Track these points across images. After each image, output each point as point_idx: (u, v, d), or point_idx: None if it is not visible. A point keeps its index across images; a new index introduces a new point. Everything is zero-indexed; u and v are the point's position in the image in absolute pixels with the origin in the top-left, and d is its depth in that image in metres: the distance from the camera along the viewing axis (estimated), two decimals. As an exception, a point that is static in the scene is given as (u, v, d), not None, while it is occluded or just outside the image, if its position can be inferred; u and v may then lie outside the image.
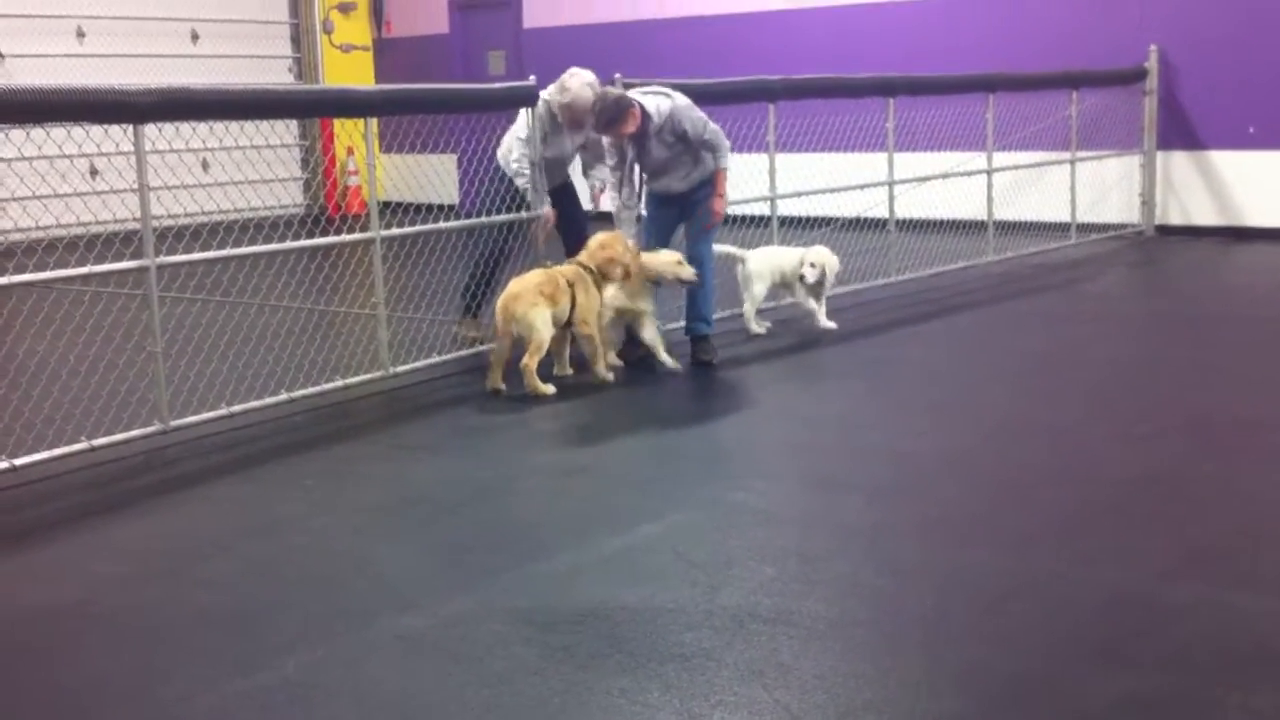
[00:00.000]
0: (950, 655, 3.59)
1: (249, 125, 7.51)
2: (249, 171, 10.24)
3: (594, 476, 5.35)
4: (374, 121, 6.97)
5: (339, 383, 6.63)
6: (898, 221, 9.81)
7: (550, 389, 6.53)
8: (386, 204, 9.83)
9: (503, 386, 6.61)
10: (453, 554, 4.50)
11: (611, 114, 6.84)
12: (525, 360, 6.48)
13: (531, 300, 6.48)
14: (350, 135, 14.17)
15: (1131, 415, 5.98)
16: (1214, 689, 3.32)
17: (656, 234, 7.36)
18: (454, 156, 7.93)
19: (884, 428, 6.01)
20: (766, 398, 6.65)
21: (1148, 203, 12.08)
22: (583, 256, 6.84)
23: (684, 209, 7.30)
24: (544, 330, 6.49)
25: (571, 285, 6.65)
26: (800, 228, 9.54)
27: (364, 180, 16.08)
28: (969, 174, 10.58)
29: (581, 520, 4.79)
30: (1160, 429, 5.73)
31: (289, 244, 6.82)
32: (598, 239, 6.86)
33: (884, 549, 4.42)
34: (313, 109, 9.05)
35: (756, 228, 8.88)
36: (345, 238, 7.44)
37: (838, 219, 9.88)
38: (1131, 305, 7.08)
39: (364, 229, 7.06)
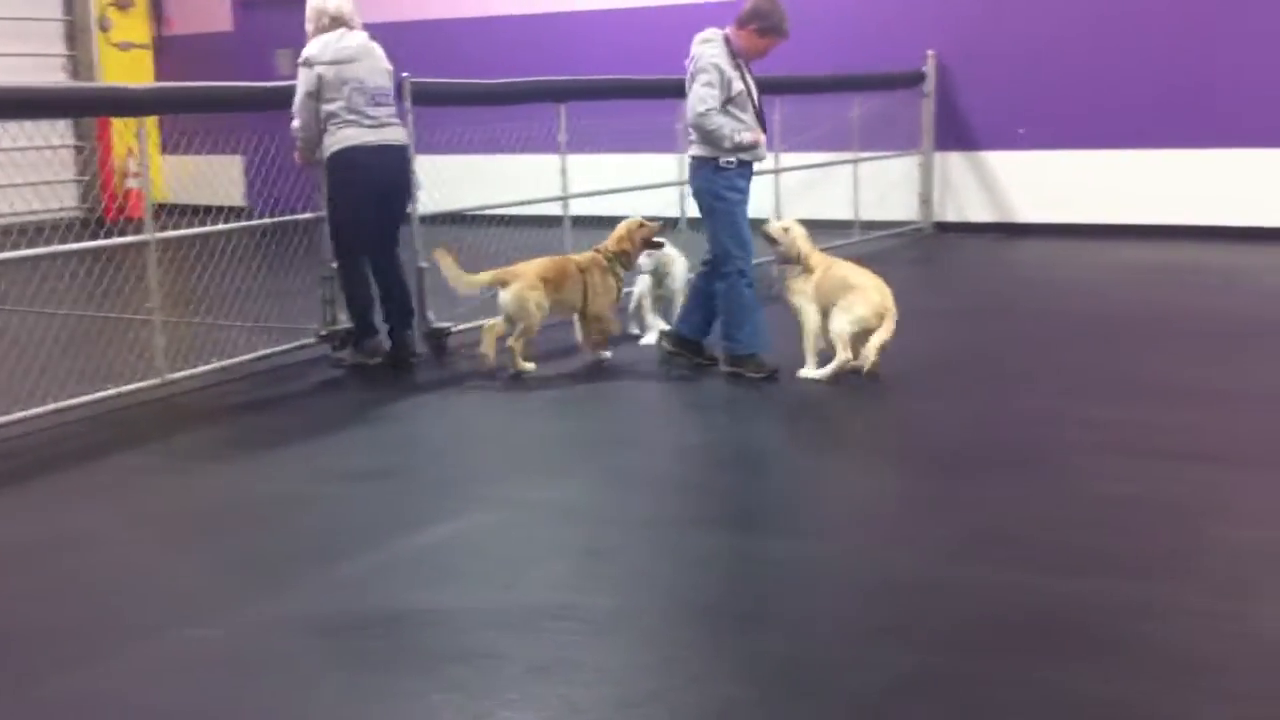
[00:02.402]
0: (734, 642, 3.67)
1: (21, 126, 7.10)
2: (19, 175, 9.77)
3: (390, 480, 5.28)
4: (149, 121, 6.70)
5: (111, 391, 6.36)
6: (689, 220, 9.95)
7: (531, 366, 6.79)
8: (171, 207, 9.50)
9: (490, 354, 6.79)
10: (243, 563, 4.39)
11: (789, 27, 6.55)
12: (511, 340, 6.71)
13: (530, 283, 6.68)
14: (130, 136, 13.64)
15: (918, 408, 6.19)
16: (988, 662, 3.47)
17: (746, 224, 6.75)
18: (240, 158, 7.69)
19: (681, 423, 6.10)
20: (565, 398, 6.66)
21: (926, 201, 12.56)
22: (605, 244, 7.06)
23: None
24: (535, 315, 6.73)
25: (584, 272, 6.86)
26: (593, 228, 9.58)
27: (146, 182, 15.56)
28: (762, 174, 10.78)
29: (376, 524, 4.72)
30: (946, 420, 5.96)
31: (56, 247, 6.49)
32: (622, 227, 7.11)
33: (673, 541, 4.49)
34: (80, 108, 8.66)
35: (549, 228, 8.89)
36: (116, 240, 7.14)
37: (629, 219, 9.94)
38: (913, 300, 7.35)
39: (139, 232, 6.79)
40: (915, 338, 6.81)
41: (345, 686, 3.43)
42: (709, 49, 6.57)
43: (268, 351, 7.16)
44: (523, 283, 6.72)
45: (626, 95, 9.76)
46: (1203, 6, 11.26)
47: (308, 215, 7.37)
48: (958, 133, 12.44)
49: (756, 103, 6.68)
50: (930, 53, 12.32)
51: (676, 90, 9.70)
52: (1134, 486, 4.86)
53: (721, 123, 6.52)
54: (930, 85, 12.35)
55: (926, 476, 5.16)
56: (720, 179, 6.63)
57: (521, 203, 8.61)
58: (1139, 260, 10.46)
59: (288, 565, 4.33)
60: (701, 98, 6.51)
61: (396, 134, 6.94)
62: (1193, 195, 11.39)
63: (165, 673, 3.57)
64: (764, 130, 6.75)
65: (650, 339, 7.46)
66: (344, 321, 7.27)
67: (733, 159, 6.62)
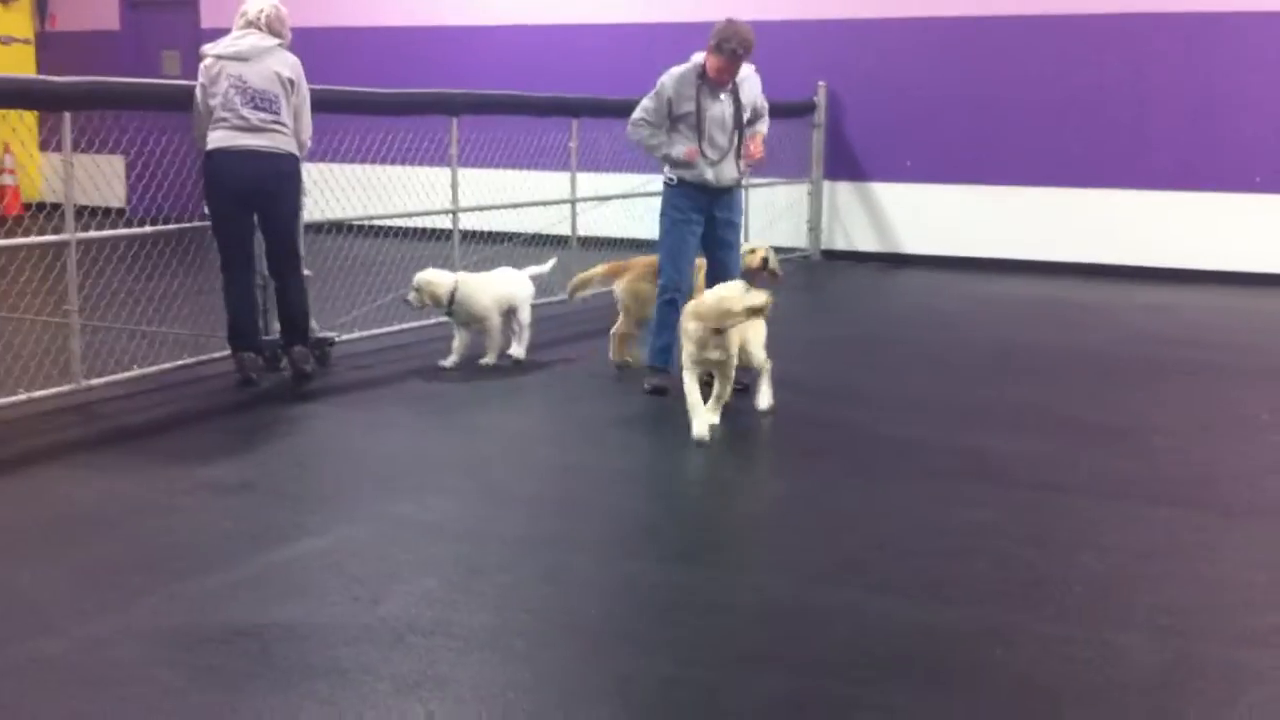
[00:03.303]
0: (608, 663, 3.65)
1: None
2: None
3: (257, 492, 5.17)
4: (30, 117, 6.48)
5: (22, 396, 6.14)
6: (580, 239, 9.96)
7: (633, 360, 7.22)
8: (42, 205, 9.24)
9: (629, 360, 7.23)
10: (99, 574, 4.25)
11: (747, 43, 6.58)
12: (618, 329, 7.25)
13: (640, 274, 7.20)
14: (8, 131, 13.25)
15: (790, 433, 6.25)
16: (852, 688, 3.50)
17: (692, 244, 6.83)
18: (122, 158, 7.49)
19: (558, 442, 6.08)
20: (445, 413, 6.60)
21: (815, 229, 12.73)
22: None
23: (718, 218, 6.85)
24: (648, 306, 7.05)
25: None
26: (483, 243, 9.55)
27: (23, 179, 15.11)
28: (651, 194, 10.83)
29: (240, 536, 4.61)
30: (816, 446, 6.02)
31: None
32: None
33: (549, 560, 4.45)
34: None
35: (437, 241, 8.82)
36: (36, 240, 6.91)
37: (520, 234, 9.95)
38: (796, 328, 7.45)
39: (56, 231, 6.49)
40: (794, 365, 6.89)
41: (200, 704, 3.33)
42: (672, 70, 6.78)
43: (190, 361, 6.95)
44: (634, 274, 7.18)
45: (518, 111, 9.74)
46: (1084, 52, 11.59)
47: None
48: (847, 163, 12.63)
49: (726, 126, 6.73)
50: (821, 83, 12.50)
51: (570, 109, 9.81)
52: (994, 514, 4.95)
53: (644, 135, 6.77)
54: (821, 115, 12.53)
55: (799, 502, 5.21)
56: (665, 197, 6.87)
57: (408, 214, 8.53)
58: (1013, 295, 10.70)
59: (143, 578, 4.20)
60: (636, 111, 6.79)
61: (276, 140, 6.68)
62: (1067, 233, 11.72)
63: (6, 688, 3.43)
64: (739, 155, 6.78)
65: (490, 359, 7.36)
66: (275, 332, 7.12)
67: (673, 176, 6.80)
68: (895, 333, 9.11)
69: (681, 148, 6.69)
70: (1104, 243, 11.60)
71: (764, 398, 6.38)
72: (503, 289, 7.48)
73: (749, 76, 6.88)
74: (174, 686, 3.43)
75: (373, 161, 8.66)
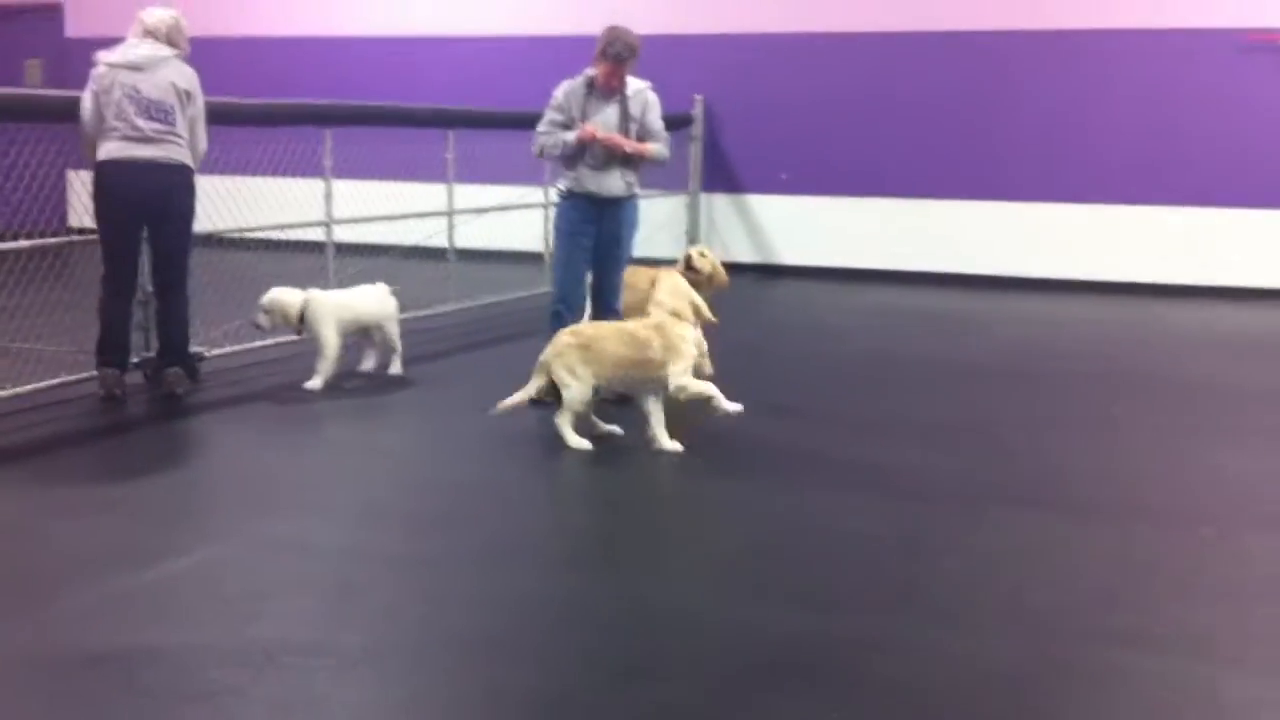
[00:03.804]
0: (483, 678, 3.62)
1: None
2: None
3: (120, 513, 5.02)
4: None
5: None
6: (457, 250, 9.91)
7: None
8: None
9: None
10: (-48, 599, 4.10)
11: (631, 46, 6.66)
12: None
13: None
14: None
15: (670, 447, 6.27)
16: (731, 697, 3.52)
17: (580, 257, 6.89)
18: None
19: (433, 459, 6.02)
20: (318, 431, 6.50)
21: (693, 240, 12.80)
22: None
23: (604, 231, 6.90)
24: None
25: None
26: (359, 255, 9.44)
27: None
28: (528, 206, 10.85)
29: (102, 558, 4.47)
30: (695, 456, 6.05)
31: None
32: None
33: (425, 578, 4.40)
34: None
35: (312, 253, 8.69)
36: None
37: (397, 247, 9.85)
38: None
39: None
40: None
41: (64, 730, 3.24)
42: (563, 83, 6.88)
43: (74, 378, 6.72)
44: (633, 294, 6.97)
45: (395, 123, 9.66)
46: (953, 66, 11.86)
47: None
48: (723, 175, 12.76)
49: (602, 124, 6.77)
50: (698, 97, 12.61)
51: (447, 120, 9.76)
52: (866, 521, 5.03)
53: (545, 142, 6.88)
54: (698, 129, 12.64)
55: (677, 513, 5.24)
56: (558, 210, 7.02)
57: (281, 226, 8.39)
58: (885, 305, 10.89)
59: (1, 602, 4.07)
60: (538, 126, 6.91)
61: (170, 151, 6.54)
62: (940, 244, 11.98)
63: None
64: (627, 166, 6.82)
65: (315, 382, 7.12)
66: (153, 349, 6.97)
67: (565, 188, 6.91)
68: (768, 344, 9.21)
69: (574, 132, 6.76)
70: (976, 254, 11.88)
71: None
72: (358, 307, 7.30)
73: (645, 94, 6.93)
74: (33, 713, 3.32)
75: (247, 173, 8.49)
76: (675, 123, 12.25)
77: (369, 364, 7.45)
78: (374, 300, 7.39)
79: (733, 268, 12.52)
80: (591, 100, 6.80)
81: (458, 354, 8.36)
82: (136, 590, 4.19)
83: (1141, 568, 4.60)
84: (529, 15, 13.12)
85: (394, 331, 7.45)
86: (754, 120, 12.53)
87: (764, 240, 12.72)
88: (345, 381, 7.25)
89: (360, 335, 7.41)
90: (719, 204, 12.84)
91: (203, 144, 6.78)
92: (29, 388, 6.55)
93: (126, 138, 6.47)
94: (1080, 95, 11.58)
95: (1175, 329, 10.12)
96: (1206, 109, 11.32)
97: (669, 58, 12.49)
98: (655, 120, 6.96)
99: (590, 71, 6.83)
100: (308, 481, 5.62)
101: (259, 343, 7.82)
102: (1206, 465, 6.00)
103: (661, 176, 12.21)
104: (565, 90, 6.86)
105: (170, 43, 6.70)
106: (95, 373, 6.70)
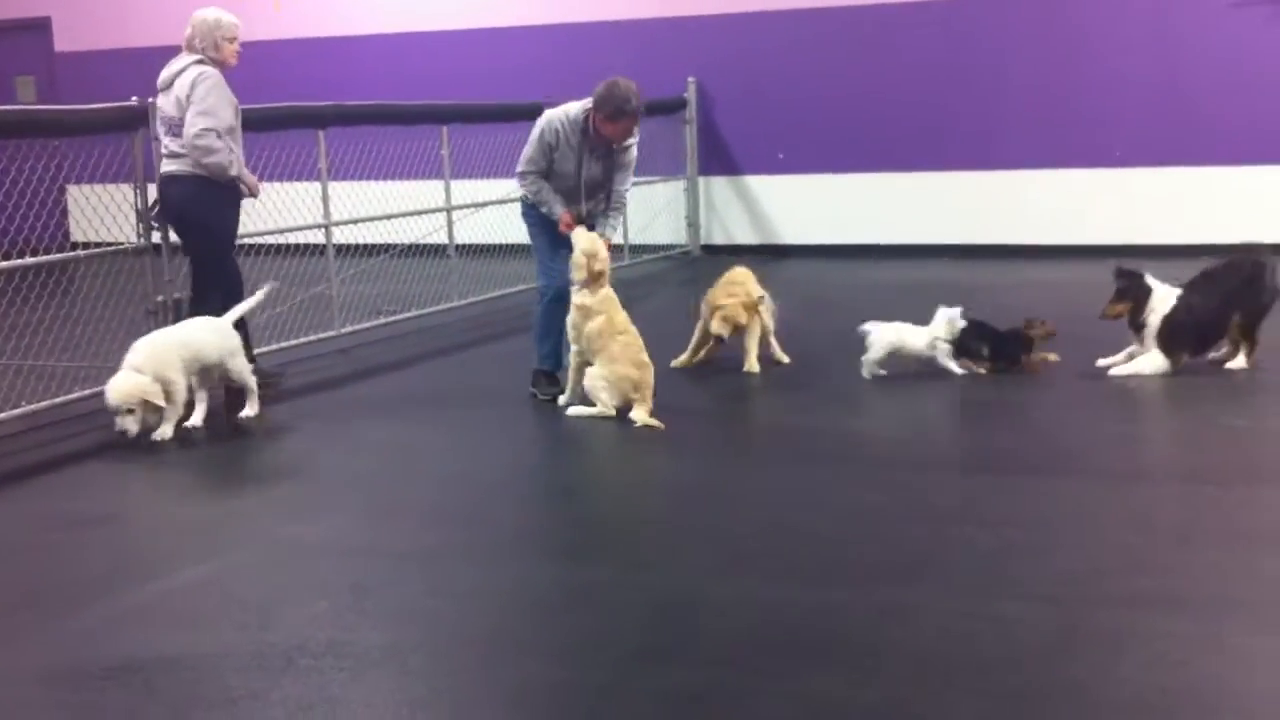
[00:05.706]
0: (504, 672, 3.61)
1: None
2: None
3: (129, 524, 5.03)
4: None
5: None
6: (457, 247, 9.89)
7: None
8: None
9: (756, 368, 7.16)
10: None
11: (636, 105, 6.33)
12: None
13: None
14: None
15: (677, 428, 6.25)
16: (750, 677, 3.50)
17: (556, 245, 6.67)
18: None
19: (439, 454, 6.00)
20: (319, 432, 6.48)
21: (693, 225, 12.78)
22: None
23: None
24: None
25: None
26: (358, 256, 9.43)
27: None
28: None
29: (118, 570, 4.48)
30: (704, 440, 6.04)
31: None
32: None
33: (439, 573, 4.39)
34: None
35: (311, 256, 8.68)
36: None
37: (397, 245, 9.84)
38: (682, 323, 7.51)
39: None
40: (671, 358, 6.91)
41: (85, 743, 3.24)
42: (552, 115, 6.56)
43: (86, 393, 6.64)
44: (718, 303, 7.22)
45: (388, 121, 9.63)
46: (946, 38, 11.80)
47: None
48: (720, 158, 12.71)
49: (595, 189, 6.63)
50: (691, 79, 12.55)
51: (440, 116, 9.72)
52: (880, 495, 5.01)
53: (531, 190, 6.62)
54: (692, 112, 12.59)
55: (684, 498, 5.21)
56: (523, 207, 6.84)
57: (280, 230, 8.37)
58: (891, 279, 10.83)
59: (18, 618, 4.07)
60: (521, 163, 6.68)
61: (180, 165, 6.68)
62: (941, 216, 11.92)
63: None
64: (594, 209, 6.68)
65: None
66: None
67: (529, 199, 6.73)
68: (777, 323, 9.15)
69: (560, 209, 6.57)
70: (976, 223, 11.82)
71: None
72: (195, 344, 6.28)
73: (632, 149, 6.74)
74: (55, 728, 3.32)
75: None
76: (668, 106, 12.28)
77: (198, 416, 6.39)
78: (205, 335, 6.37)
79: (735, 250, 12.56)
80: (586, 151, 6.53)
81: (462, 350, 8.35)
82: (154, 600, 4.18)
83: (1161, 530, 4.58)
84: (525, 3, 13.03)
85: (240, 366, 6.47)
86: (747, 101, 12.47)
87: (765, 222, 12.67)
88: (343, 383, 7.24)
89: (200, 375, 6.37)
90: (717, 187, 12.79)
91: (190, 132, 6.56)
92: (44, 404, 6.52)
93: (161, 156, 6.79)
94: (1075, 59, 11.51)
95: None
96: (1203, 66, 11.24)
97: (660, 40, 12.48)
98: (629, 171, 6.79)
99: (581, 112, 6.50)
100: (317, 483, 5.59)
101: (264, 347, 7.81)
102: (1220, 426, 5.98)
103: (659, 162, 12.21)
104: (559, 130, 6.51)
105: (190, 48, 6.77)
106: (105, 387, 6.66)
